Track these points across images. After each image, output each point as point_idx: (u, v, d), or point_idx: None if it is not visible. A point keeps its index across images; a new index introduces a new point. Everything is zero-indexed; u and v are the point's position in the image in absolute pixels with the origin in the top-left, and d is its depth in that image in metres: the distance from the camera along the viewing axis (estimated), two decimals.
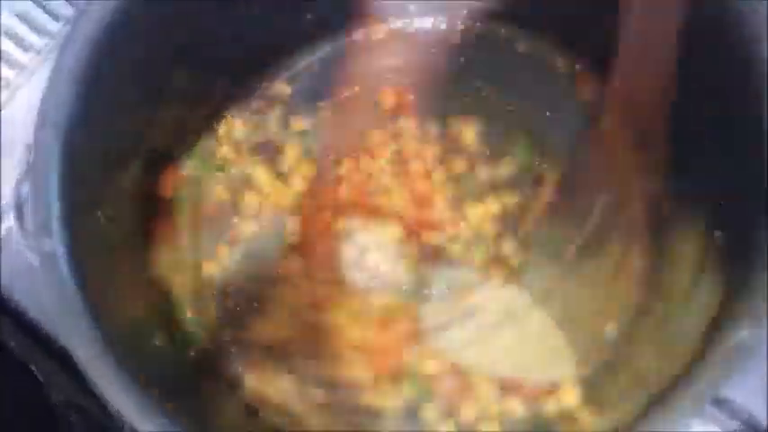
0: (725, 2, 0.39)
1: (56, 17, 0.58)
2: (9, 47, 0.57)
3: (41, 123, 0.40)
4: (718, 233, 0.42)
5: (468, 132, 0.52)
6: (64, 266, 0.39)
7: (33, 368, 0.48)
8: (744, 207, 0.39)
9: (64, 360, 0.48)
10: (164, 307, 0.49)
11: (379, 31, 0.55)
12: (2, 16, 0.57)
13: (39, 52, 0.57)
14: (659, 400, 0.36)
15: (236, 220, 0.52)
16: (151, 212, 0.50)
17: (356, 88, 0.54)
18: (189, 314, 0.50)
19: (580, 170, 0.50)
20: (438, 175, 0.52)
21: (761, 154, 0.38)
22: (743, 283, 0.37)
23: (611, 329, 0.47)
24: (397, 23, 0.55)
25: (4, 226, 0.54)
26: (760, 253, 0.37)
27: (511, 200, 0.51)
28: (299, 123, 0.54)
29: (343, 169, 0.52)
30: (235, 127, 0.54)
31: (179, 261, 0.51)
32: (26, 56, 0.57)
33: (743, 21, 0.39)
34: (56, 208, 0.39)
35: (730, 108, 0.41)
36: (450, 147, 0.52)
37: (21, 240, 0.53)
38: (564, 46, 0.53)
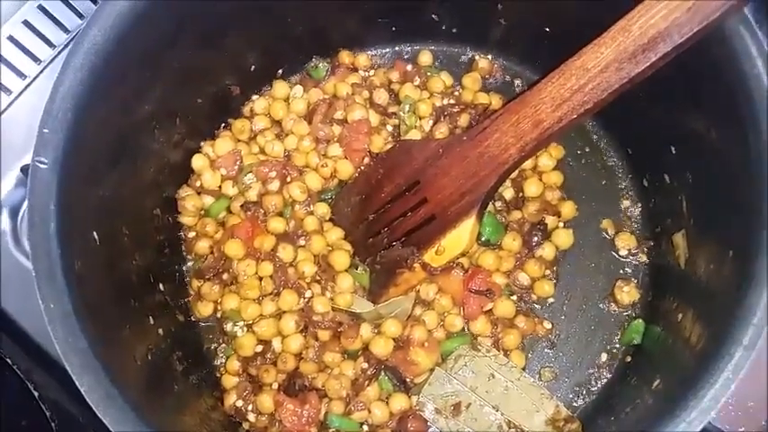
0: None
1: (64, 28, 0.58)
2: (13, 54, 0.57)
3: (39, 146, 0.40)
4: None
5: None
6: (61, 281, 0.38)
7: (28, 382, 0.48)
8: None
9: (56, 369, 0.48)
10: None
11: None
12: (8, 24, 0.57)
13: (41, 61, 0.57)
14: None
15: None
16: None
17: None
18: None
19: None
20: None
21: None
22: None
23: None
24: None
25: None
26: None
27: None
28: None
29: None
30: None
31: None
32: (29, 64, 0.57)
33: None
34: (53, 228, 0.39)
35: None
36: None
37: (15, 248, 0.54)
38: None
